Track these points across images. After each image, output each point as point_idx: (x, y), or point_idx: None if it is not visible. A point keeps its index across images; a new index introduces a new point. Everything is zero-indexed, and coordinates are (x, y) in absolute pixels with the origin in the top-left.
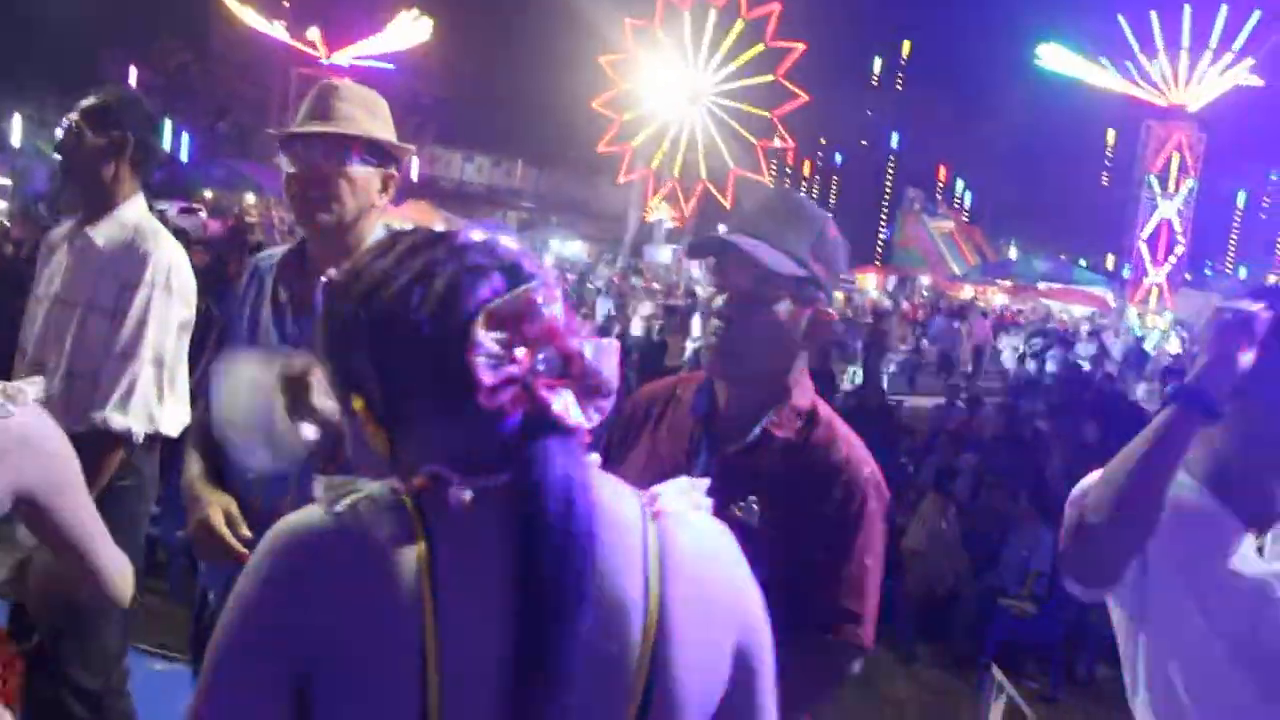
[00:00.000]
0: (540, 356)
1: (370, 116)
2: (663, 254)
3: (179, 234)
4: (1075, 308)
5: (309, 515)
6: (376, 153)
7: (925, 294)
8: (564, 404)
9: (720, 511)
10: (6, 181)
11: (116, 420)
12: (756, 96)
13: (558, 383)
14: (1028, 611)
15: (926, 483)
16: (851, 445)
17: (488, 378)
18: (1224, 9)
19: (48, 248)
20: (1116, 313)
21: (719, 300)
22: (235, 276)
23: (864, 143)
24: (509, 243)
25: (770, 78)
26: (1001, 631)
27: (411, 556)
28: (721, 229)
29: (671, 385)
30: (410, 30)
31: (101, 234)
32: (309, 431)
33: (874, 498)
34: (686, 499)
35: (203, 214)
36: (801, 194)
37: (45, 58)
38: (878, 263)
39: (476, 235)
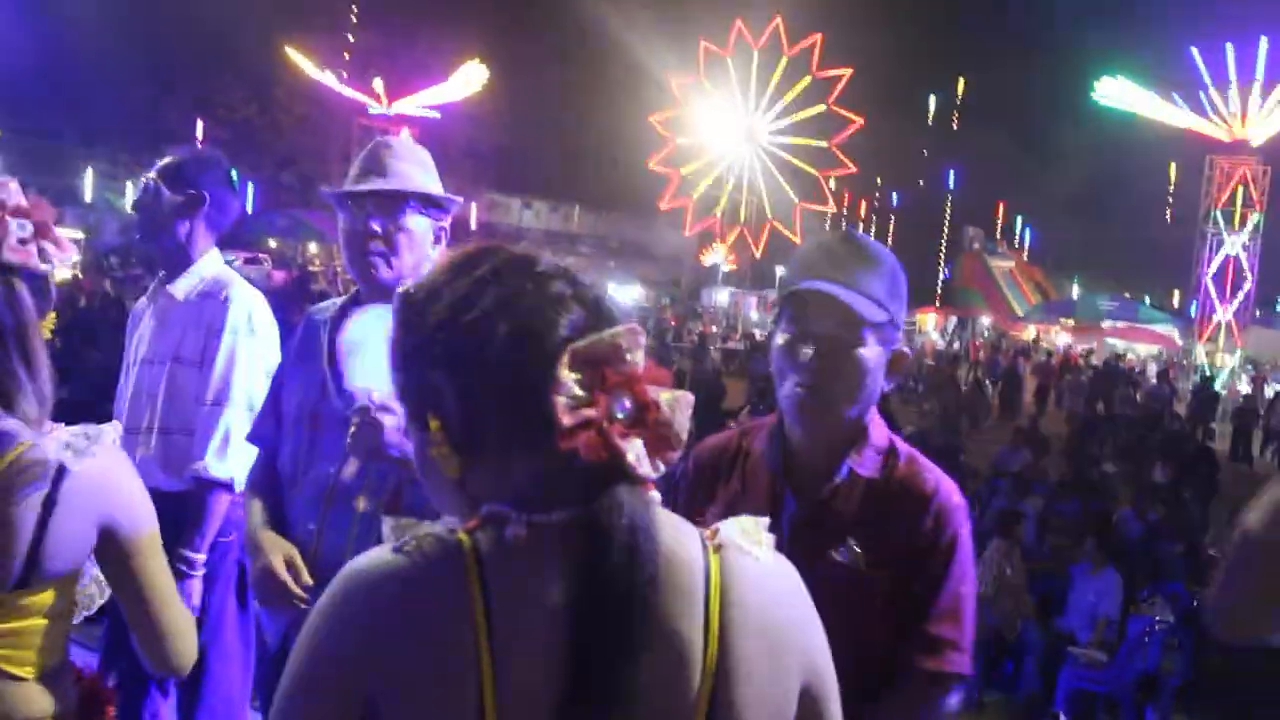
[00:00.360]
0: (618, 403)
1: (423, 171)
2: (720, 296)
3: None
4: (1140, 346)
5: (376, 555)
6: (430, 206)
7: (986, 334)
8: (636, 454)
9: (818, 557)
10: (79, 234)
11: (217, 469)
12: (812, 129)
13: (632, 431)
14: (1098, 660)
15: (989, 526)
16: (938, 475)
17: (566, 419)
18: (1265, 41)
19: (134, 318)
20: (1184, 351)
21: (805, 351)
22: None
23: (920, 182)
24: (587, 276)
25: (822, 107)
26: (1071, 680)
27: (468, 596)
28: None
29: (735, 438)
30: (470, 79)
31: (181, 289)
32: (351, 469)
33: (964, 525)
34: (747, 534)
35: (267, 264)
36: (863, 234)
37: (113, 112)
38: (937, 304)
39: (553, 261)
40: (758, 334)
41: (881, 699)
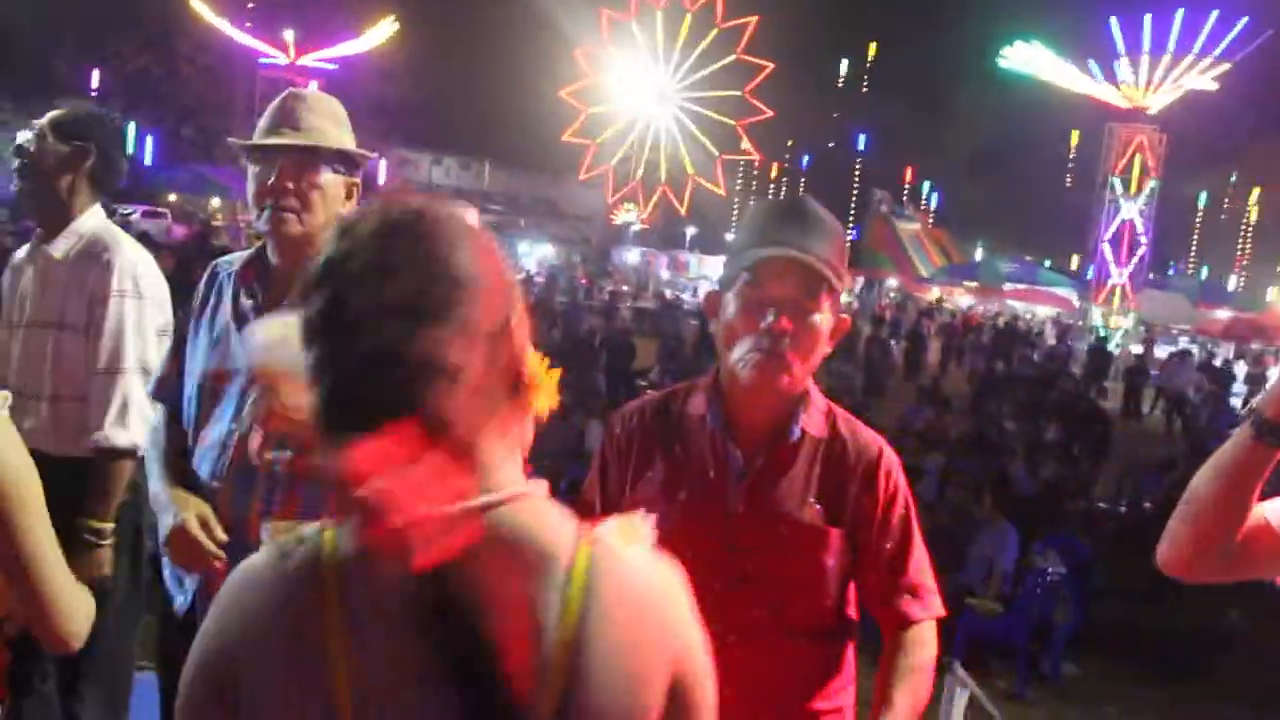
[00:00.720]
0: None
1: (336, 125)
2: (631, 255)
3: (143, 238)
4: (1040, 308)
5: (256, 555)
6: (344, 162)
7: (892, 295)
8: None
9: (776, 514)
10: None
11: (119, 437)
12: (723, 105)
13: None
14: (994, 610)
15: None
16: (872, 434)
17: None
18: (1180, 13)
19: (12, 272)
20: (1080, 313)
21: (767, 316)
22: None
23: (831, 145)
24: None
25: (732, 57)
26: (968, 630)
27: (320, 596)
28: (690, 230)
29: (661, 400)
30: (379, 34)
31: (59, 248)
32: (256, 440)
33: (903, 478)
34: (625, 533)
35: (168, 218)
36: (811, 200)
37: (3, 63)
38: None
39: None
40: (668, 293)
41: (889, 656)
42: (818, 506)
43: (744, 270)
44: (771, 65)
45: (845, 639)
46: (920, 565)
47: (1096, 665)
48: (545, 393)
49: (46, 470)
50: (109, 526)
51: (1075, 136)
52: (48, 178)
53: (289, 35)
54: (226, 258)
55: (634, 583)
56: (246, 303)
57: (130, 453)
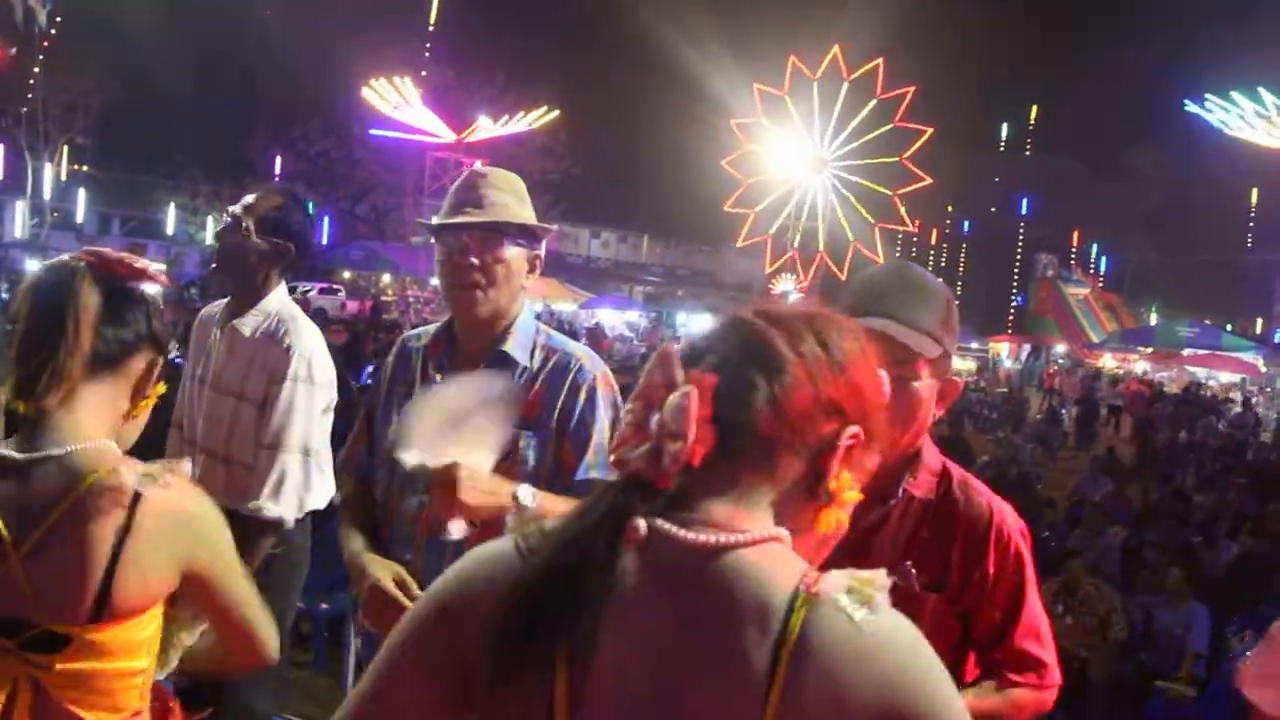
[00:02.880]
0: (645, 418)
1: (517, 201)
2: None
3: (318, 314)
4: (1223, 374)
5: (496, 542)
6: (525, 235)
7: (1060, 362)
8: (631, 458)
9: None
10: (161, 267)
11: (270, 509)
12: (880, 174)
13: (640, 436)
14: (1187, 695)
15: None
16: (991, 496)
17: (613, 441)
18: None
19: (200, 327)
20: (1268, 379)
21: None
22: (372, 353)
23: (993, 209)
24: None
25: (894, 159)
26: (1160, 716)
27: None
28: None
29: None
30: (537, 118)
31: (248, 325)
32: (456, 530)
33: (1025, 544)
34: (855, 591)
35: (341, 294)
36: (917, 265)
37: (194, 148)
38: (1009, 331)
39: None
40: None
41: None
42: (914, 569)
43: None
44: (930, 130)
45: None
46: (1029, 632)
47: None
48: (839, 511)
49: None
50: None
51: (1255, 194)
52: (248, 268)
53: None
54: (415, 331)
55: (854, 639)
56: (435, 376)
57: (277, 525)
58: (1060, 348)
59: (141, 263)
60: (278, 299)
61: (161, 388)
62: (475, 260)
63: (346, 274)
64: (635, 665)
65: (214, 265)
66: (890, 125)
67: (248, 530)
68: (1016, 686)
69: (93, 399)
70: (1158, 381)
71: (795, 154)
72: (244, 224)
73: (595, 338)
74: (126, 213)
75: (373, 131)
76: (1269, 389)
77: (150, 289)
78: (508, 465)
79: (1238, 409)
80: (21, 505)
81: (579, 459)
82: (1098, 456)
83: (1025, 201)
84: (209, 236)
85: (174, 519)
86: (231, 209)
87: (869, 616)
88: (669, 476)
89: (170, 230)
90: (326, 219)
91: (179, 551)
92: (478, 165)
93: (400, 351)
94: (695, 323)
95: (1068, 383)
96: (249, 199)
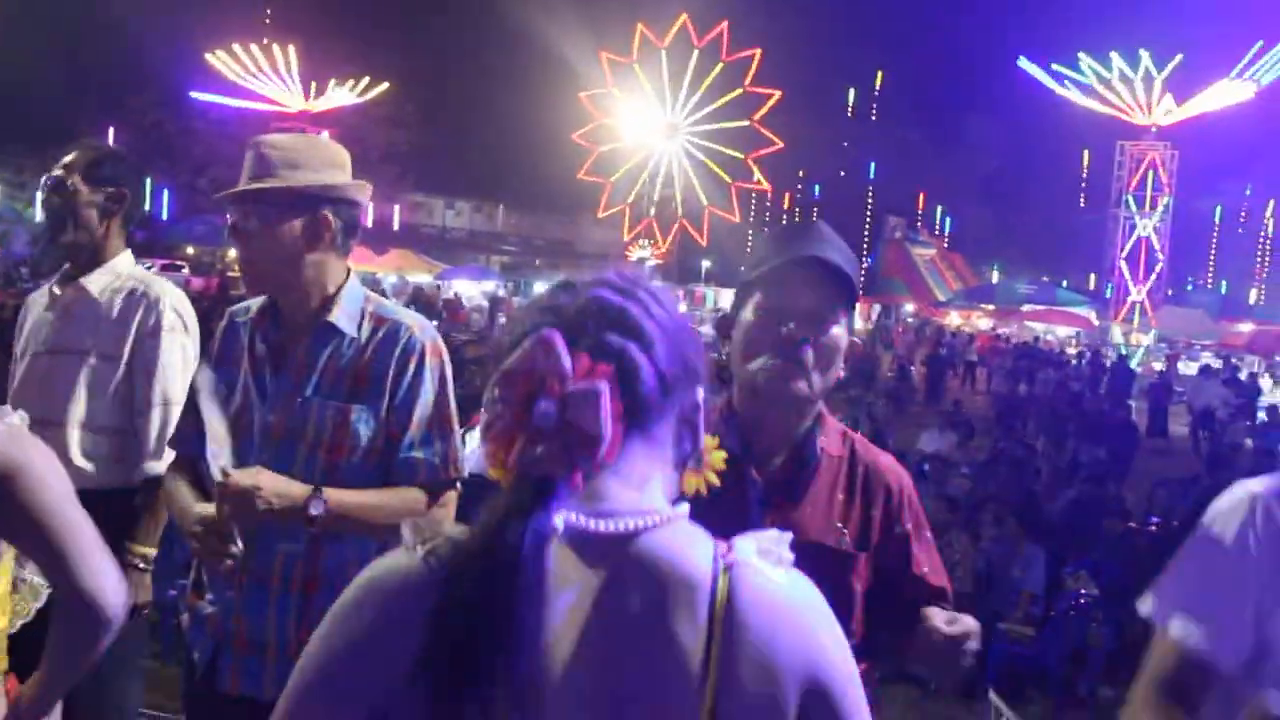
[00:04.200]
0: (535, 408)
1: (289, 166)
2: None
3: None
4: (1060, 329)
5: (395, 558)
6: (294, 202)
7: (909, 321)
8: (532, 456)
9: (799, 537)
10: None
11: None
12: (732, 138)
13: (544, 434)
14: (1025, 635)
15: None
16: (889, 457)
17: (485, 435)
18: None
19: (26, 309)
20: (1100, 332)
21: (788, 325)
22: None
23: (842, 173)
24: (610, 280)
25: (745, 123)
26: (1000, 657)
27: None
28: (704, 263)
29: None
30: (375, 91)
31: (96, 285)
32: (239, 543)
33: (919, 499)
34: (766, 552)
35: (185, 270)
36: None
37: (19, 121)
38: (861, 291)
39: (587, 282)
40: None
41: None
42: (844, 531)
43: (761, 281)
44: (778, 93)
45: (863, 661)
46: (939, 569)
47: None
48: (708, 473)
49: (94, 503)
50: (153, 552)
51: (1086, 156)
52: (83, 222)
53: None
54: (242, 305)
55: (778, 599)
56: (261, 348)
57: None
58: (909, 307)
59: None
60: (128, 262)
61: None
62: (241, 234)
63: (190, 250)
64: (571, 663)
65: (48, 233)
66: (740, 90)
67: (145, 498)
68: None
69: None
70: (1004, 335)
71: (647, 122)
72: (68, 181)
73: (453, 310)
74: None
75: (195, 94)
76: (1100, 341)
77: None
78: (340, 441)
79: (1073, 363)
80: None
81: (403, 434)
82: (944, 412)
83: (873, 166)
84: (38, 213)
85: None
86: (52, 171)
87: (784, 576)
88: (585, 479)
89: None
90: (166, 193)
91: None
92: (267, 136)
93: (227, 325)
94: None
95: (911, 340)
96: (67, 157)
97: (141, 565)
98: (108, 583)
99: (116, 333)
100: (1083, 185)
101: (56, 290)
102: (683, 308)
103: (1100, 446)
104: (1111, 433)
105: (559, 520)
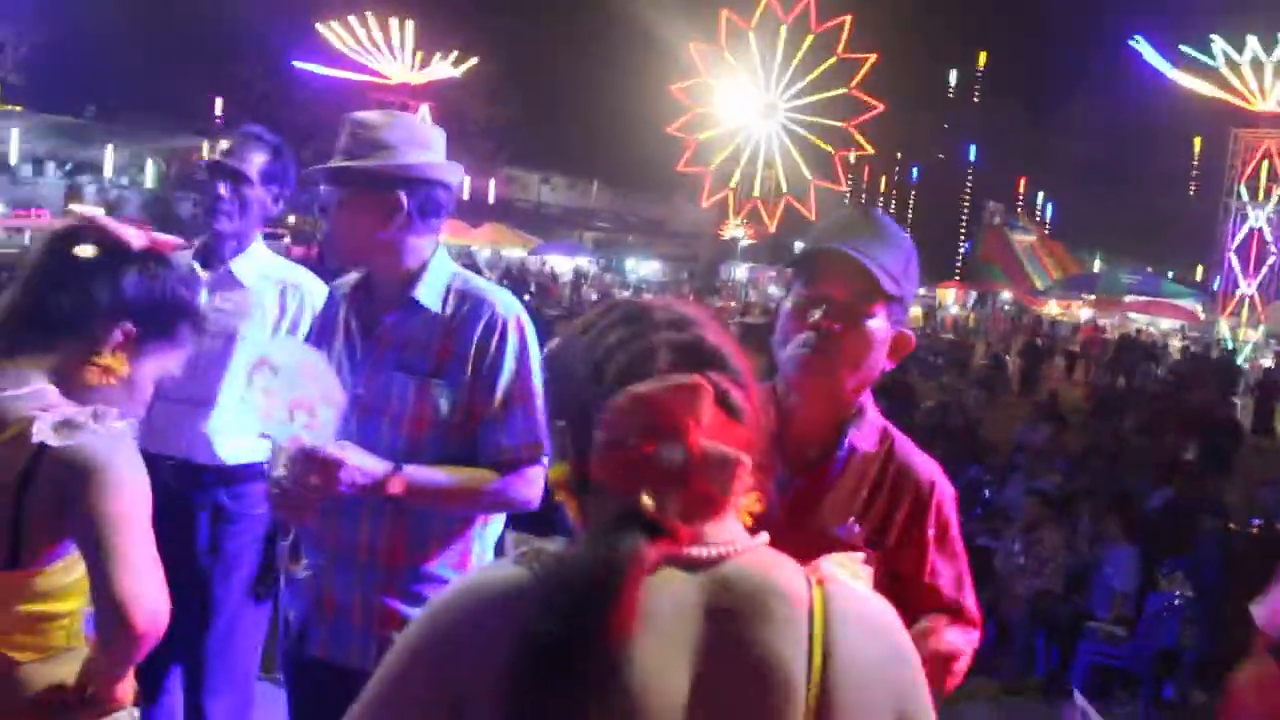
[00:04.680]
0: (665, 450)
1: (373, 147)
2: (739, 271)
3: None
4: (1163, 321)
5: (491, 567)
6: (370, 182)
7: (1006, 309)
8: (659, 502)
9: (814, 529)
10: (99, 211)
11: None
12: (831, 109)
13: (667, 479)
14: (1116, 635)
15: (1012, 501)
16: (927, 460)
17: (599, 455)
18: None
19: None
20: (1206, 326)
21: (815, 311)
22: None
23: (941, 156)
24: (696, 318)
25: (844, 89)
26: (1089, 656)
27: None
28: (798, 244)
29: None
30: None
31: (243, 270)
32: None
33: (954, 512)
34: (846, 569)
35: (286, 239)
36: (884, 213)
37: (131, 89)
38: (957, 278)
39: (668, 311)
40: (774, 307)
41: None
42: (858, 528)
43: (797, 268)
44: (881, 107)
45: None
46: (963, 585)
47: (1225, 692)
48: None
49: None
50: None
51: (1198, 144)
52: (247, 216)
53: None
54: (342, 280)
55: (869, 616)
56: (353, 322)
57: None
58: (1006, 294)
59: (130, 232)
60: (262, 247)
61: (116, 362)
62: (324, 209)
63: (291, 218)
64: (670, 686)
65: (207, 216)
66: (834, 58)
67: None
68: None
69: (42, 357)
70: (1106, 327)
71: (743, 104)
72: (250, 175)
73: (544, 285)
74: (63, 154)
75: (297, 64)
76: (1206, 335)
77: (141, 259)
78: (421, 415)
79: (1176, 356)
80: None
81: (486, 410)
82: (1039, 402)
83: (973, 149)
84: (149, 179)
85: (73, 471)
86: (227, 159)
87: (869, 593)
88: (698, 530)
89: (109, 173)
90: None
91: (70, 495)
92: (359, 115)
93: (328, 300)
94: (644, 268)
95: (1007, 328)
96: (245, 148)
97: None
98: (143, 600)
99: (271, 320)
100: (1193, 173)
101: (199, 271)
102: (773, 289)
103: (1201, 444)
104: (1213, 430)
105: (655, 548)
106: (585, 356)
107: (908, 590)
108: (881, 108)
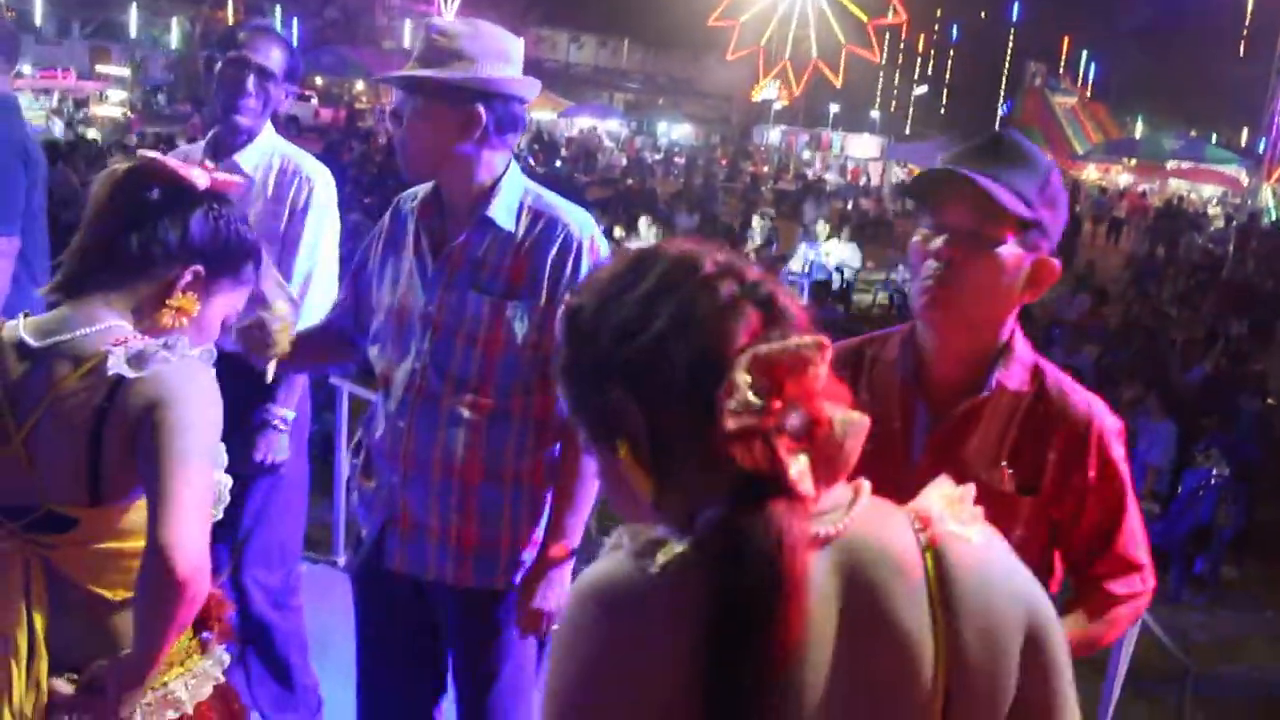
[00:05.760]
0: (791, 415)
1: (452, 56)
2: (772, 134)
3: (290, 121)
4: (1205, 188)
5: (619, 569)
6: (448, 94)
7: None
8: (800, 470)
9: (959, 475)
10: (125, 72)
11: None
12: None
13: (798, 445)
14: (1151, 511)
15: None
16: (1090, 397)
17: (731, 423)
18: None
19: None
20: (1250, 193)
21: (936, 241)
22: (349, 163)
23: (982, 14)
24: (753, 267)
25: None
26: None
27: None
28: (833, 108)
29: (858, 346)
30: None
31: (249, 161)
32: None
33: (1121, 447)
34: (954, 511)
35: (314, 101)
36: (1021, 135)
37: None
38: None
39: (718, 260)
40: (809, 174)
41: (1072, 612)
42: (1009, 470)
43: (918, 196)
44: None
45: None
46: (1131, 540)
47: (1257, 569)
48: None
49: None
50: (290, 414)
51: (1250, 2)
52: (264, 113)
53: None
54: (408, 193)
55: (981, 569)
56: (424, 239)
57: None
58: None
59: (195, 173)
60: (272, 136)
61: (187, 303)
62: (397, 117)
63: (318, 80)
64: (818, 661)
65: (222, 109)
66: None
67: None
68: (1117, 602)
69: (114, 296)
70: (1145, 193)
71: None
72: (274, 73)
73: (586, 146)
74: (87, 15)
75: None
76: (1248, 202)
77: (206, 200)
78: (495, 335)
79: (1218, 224)
80: (28, 390)
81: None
82: (1078, 274)
83: (1015, 6)
84: (174, 39)
85: (146, 402)
86: (247, 52)
87: (979, 534)
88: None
89: (133, 33)
90: (295, 22)
91: (140, 422)
92: (439, 20)
93: (394, 212)
94: (676, 131)
95: None
96: (264, 44)
97: (280, 426)
98: (187, 546)
99: (273, 209)
100: (1244, 33)
101: (208, 164)
102: (806, 154)
103: (1243, 318)
104: (1256, 304)
105: (812, 527)
106: (640, 316)
107: (1067, 538)
108: None
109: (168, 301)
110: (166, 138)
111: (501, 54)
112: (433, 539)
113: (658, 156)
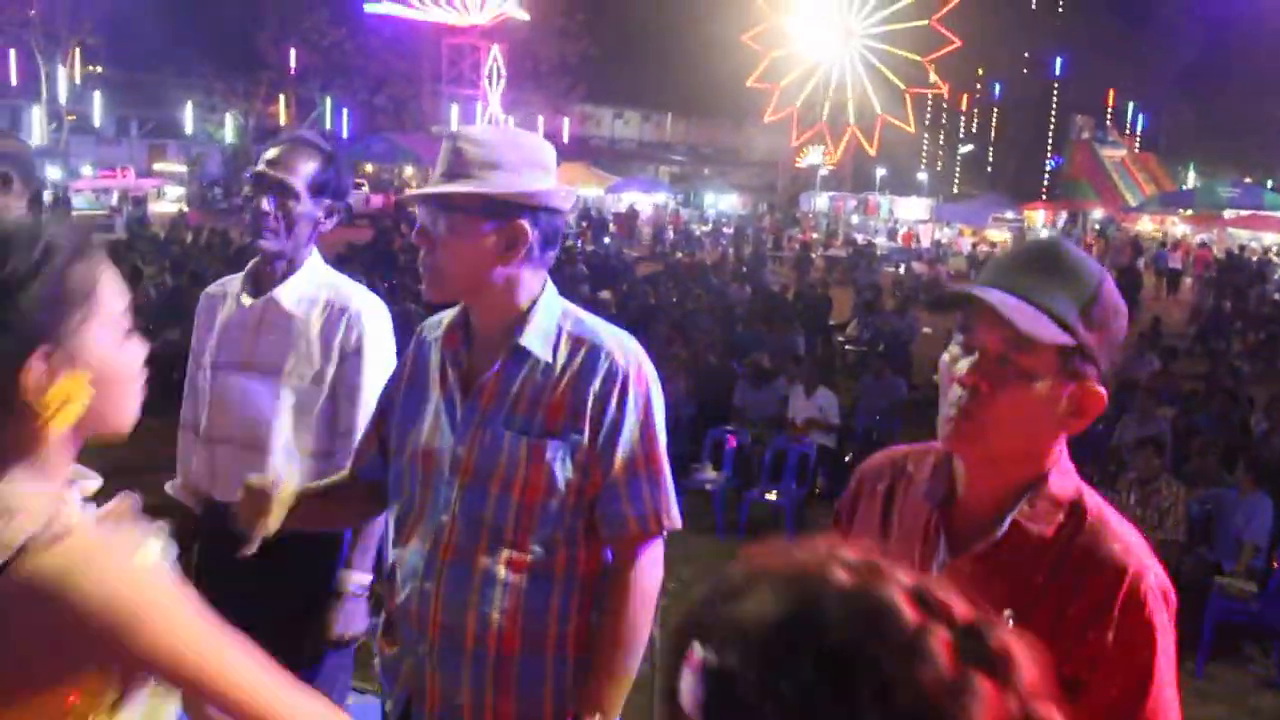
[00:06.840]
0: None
1: (487, 167)
2: (819, 200)
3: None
4: (1266, 235)
5: None
6: (488, 208)
7: (1097, 227)
8: None
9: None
10: (181, 168)
11: None
12: (910, 40)
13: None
14: (1247, 590)
15: (1125, 444)
16: (1128, 545)
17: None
18: None
19: (209, 309)
20: None
21: (963, 363)
22: (400, 249)
23: (1025, 71)
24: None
25: (924, 22)
26: (1217, 613)
27: None
28: (879, 171)
29: (903, 457)
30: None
31: (289, 296)
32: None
33: (1161, 611)
34: None
35: (365, 188)
36: (1072, 245)
37: (205, 43)
38: (1044, 197)
39: (907, 588)
40: (860, 239)
41: None
42: (1011, 622)
43: (956, 313)
44: (959, 43)
45: None
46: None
47: None
48: None
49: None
50: (368, 579)
51: None
52: (295, 233)
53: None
54: (432, 320)
55: None
56: (451, 372)
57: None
58: (1097, 213)
59: None
60: (319, 266)
61: (76, 386)
62: (427, 239)
63: (369, 167)
64: None
65: (252, 232)
66: (925, 21)
67: (359, 526)
68: None
69: None
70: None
71: (821, 25)
72: (296, 189)
73: (628, 223)
74: (144, 114)
75: (368, 7)
76: None
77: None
78: (535, 481)
79: None
80: None
81: (606, 477)
82: (1143, 333)
83: (1059, 61)
84: (229, 134)
85: (44, 594)
86: (271, 170)
87: None
88: None
89: (189, 130)
90: (345, 112)
91: (59, 624)
92: (460, 130)
93: (417, 344)
94: (723, 201)
95: (1101, 249)
96: (291, 158)
97: (356, 592)
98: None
99: (318, 352)
100: None
101: (245, 300)
102: (855, 219)
103: None
104: None
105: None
106: (834, 700)
107: (1090, 710)
108: (959, 43)
109: (42, 397)
110: (221, 231)
111: (540, 163)
112: (464, 718)
113: (706, 229)
